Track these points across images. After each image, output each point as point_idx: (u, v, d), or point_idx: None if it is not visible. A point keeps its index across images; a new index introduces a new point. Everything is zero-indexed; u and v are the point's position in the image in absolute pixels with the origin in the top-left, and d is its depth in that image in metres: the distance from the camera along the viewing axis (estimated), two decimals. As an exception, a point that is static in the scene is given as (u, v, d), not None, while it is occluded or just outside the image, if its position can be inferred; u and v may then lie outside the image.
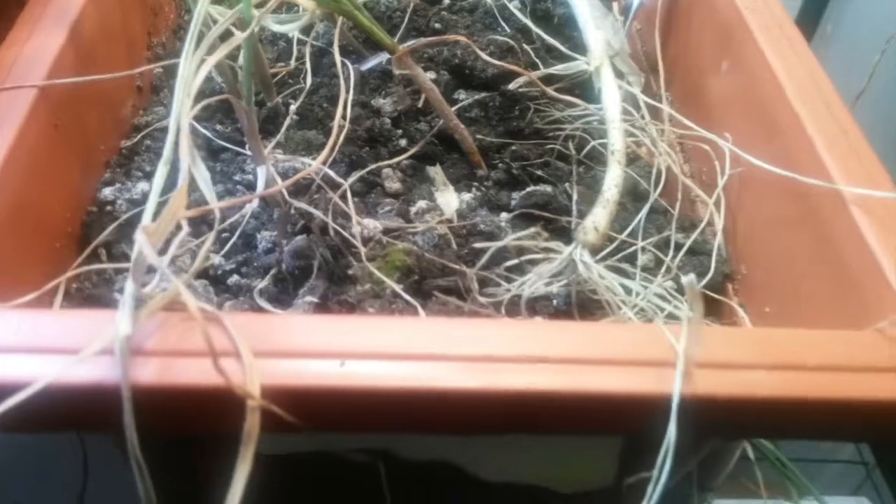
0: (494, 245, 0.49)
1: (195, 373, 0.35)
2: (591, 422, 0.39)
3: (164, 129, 0.60)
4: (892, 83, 0.81)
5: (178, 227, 0.43)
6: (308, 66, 0.65)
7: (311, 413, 0.36)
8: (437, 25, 0.69)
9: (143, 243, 0.35)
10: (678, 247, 0.58)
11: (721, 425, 0.40)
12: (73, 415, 0.36)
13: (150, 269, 0.38)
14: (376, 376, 0.37)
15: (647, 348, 0.38)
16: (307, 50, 0.66)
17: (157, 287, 0.41)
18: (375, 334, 0.38)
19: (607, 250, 0.56)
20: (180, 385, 0.35)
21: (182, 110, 0.42)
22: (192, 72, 0.42)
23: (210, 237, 0.41)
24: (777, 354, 0.39)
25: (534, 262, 0.52)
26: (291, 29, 0.52)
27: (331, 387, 0.36)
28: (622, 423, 0.39)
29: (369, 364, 0.37)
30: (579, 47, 0.67)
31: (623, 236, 0.56)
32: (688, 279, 0.35)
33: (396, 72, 0.57)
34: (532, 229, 0.52)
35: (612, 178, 0.51)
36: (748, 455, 0.97)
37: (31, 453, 0.65)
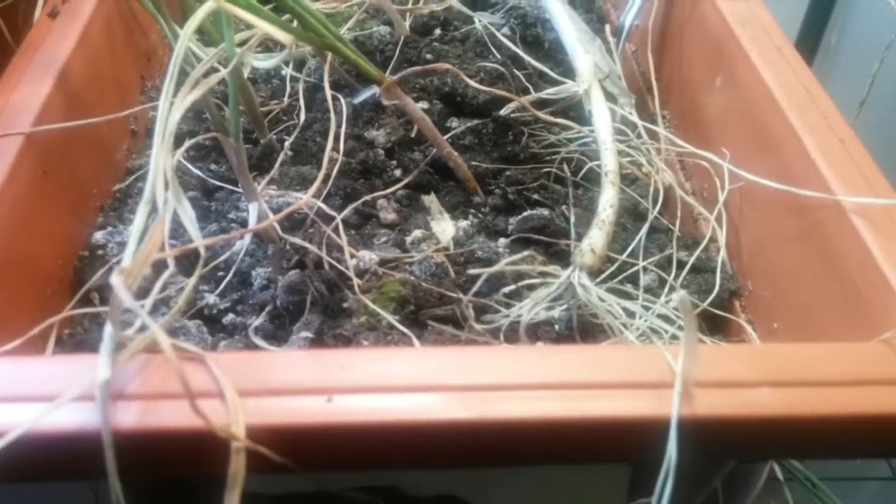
0: (488, 270, 0.48)
1: (178, 415, 0.34)
2: (590, 449, 0.38)
3: (157, 171, 0.60)
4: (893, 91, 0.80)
5: (166, 267, 0.42)
6: (301, 102, 0.65)
7: (299, 452, 0.35)
8: (429, 56, 0.68)
9: (118, 285, 0.34)
10: (681, 265, 0.57)
11: (724, 446, 0.38)
12: (53, 463, 0.35)
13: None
14: (364, 411, 0.36)
15: (645, 370, 0.37)
16: (300, 86, 0.65)
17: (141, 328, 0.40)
18: (363, 368, 0.37)
19: (609, 272, 0.55)
20: (163, 428, 0.34)
21: (162, 149, 0.41)
22: (169, 109, 0.42)
23: (195, 275, 0.40)
24: (780, 370, 0.38)
25: (532, 288, 0.51)
26: (272, 65, 0.52)
27: (318, 423, 0.35)
28: (623, 449, 0.38)
29: (357, 398, 0.36)
30: (570, 71, 0.66)
31: (624, 257, 0.55)
32: (679, 296, 0.34)
33: (386, 102, 0.56)
34: (526, 252, 0.51)
35: (607, 199, 0.51)
36: (777, 475, 0.94)
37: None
